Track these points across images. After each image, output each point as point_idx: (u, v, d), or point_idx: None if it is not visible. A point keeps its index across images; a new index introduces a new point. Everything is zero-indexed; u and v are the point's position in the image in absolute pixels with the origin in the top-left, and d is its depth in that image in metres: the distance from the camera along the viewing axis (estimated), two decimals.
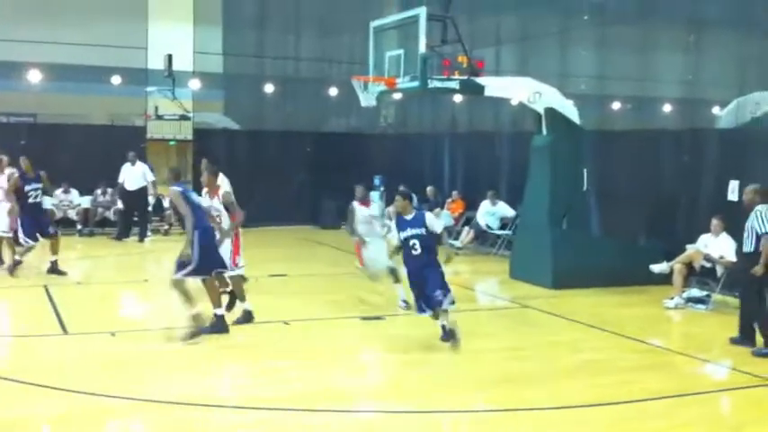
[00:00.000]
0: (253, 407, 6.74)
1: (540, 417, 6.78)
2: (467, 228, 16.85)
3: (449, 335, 8.49)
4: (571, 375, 7.98)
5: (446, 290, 8.55)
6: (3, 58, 19.14)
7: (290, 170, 20.93)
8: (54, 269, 12.69)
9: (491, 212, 16.44)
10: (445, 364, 8.33)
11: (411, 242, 8.69)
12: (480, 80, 13.09)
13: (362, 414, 6.78)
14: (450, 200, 18.33)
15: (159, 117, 20.37)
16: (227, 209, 9.86)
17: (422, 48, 12.41)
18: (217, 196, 9.85)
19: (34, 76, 19.68)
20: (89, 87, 21.08)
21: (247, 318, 9.78)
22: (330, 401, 6.89)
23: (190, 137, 21.13)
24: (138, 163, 17.67)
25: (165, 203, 17.80)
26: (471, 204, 17.47)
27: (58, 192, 17.57)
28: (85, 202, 18.28)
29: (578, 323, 10.30)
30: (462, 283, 14.12)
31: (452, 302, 8.57)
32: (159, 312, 10.20)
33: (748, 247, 8.97)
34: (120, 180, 17.58)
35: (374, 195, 20.39)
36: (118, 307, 11.54)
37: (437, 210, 18.35)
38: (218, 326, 9.13)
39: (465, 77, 12.97)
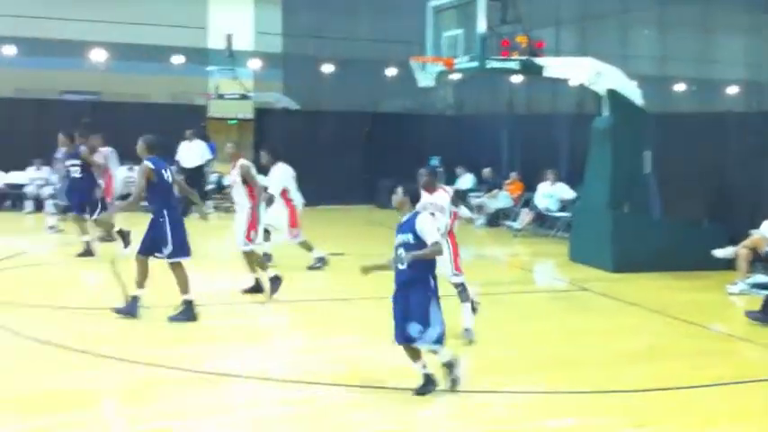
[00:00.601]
0: (308, 381, 6.84)
1: (597, 400, 6.75)
2: (525, 209, 16.77)
3: (425, 386, 6.57)
4: (630, 360, 7.91)
5: (426, 324, 6.45)
6: (67, 36, 19.54)
7: (348, 150, 21.04)
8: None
9: (549, 194, 16.32)
10: (502, 345, 8.34)
11: (399, 251, 6.63)
12: (539, 60, 12.98)
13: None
14: (507, 181, 18.24)
15: (220, 96, 20.60)
16: (245, 181, 9.99)
17: (481, 28, 12.37)
18: (234, 167, 10.04)
19: (98, 55, 20.06)
20: (151, 67, 21.41)
21: (256, 289, 9.93)
22: (389, 379, 6.95)
23: (250, 116, 21.35)
24: (196, 140, 17.81)
25: (225, 181, 18.03)
26: (530, 186, 17.37)
27: (123, 168, 17.91)
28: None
29: (638, 307, 10.21)
30: (520, 265, 14.14)
31: (435, 342, 6.48)
32: (218, 288, 10.33)
33: None
34: (177, 158, 17.78)
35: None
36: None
37: (495, 191, 18.31)
38: (187, 313, 8.80)
39: (524, 58, 12.87)
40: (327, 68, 21.63)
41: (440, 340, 6.50)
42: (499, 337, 8.58)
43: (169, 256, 8.78)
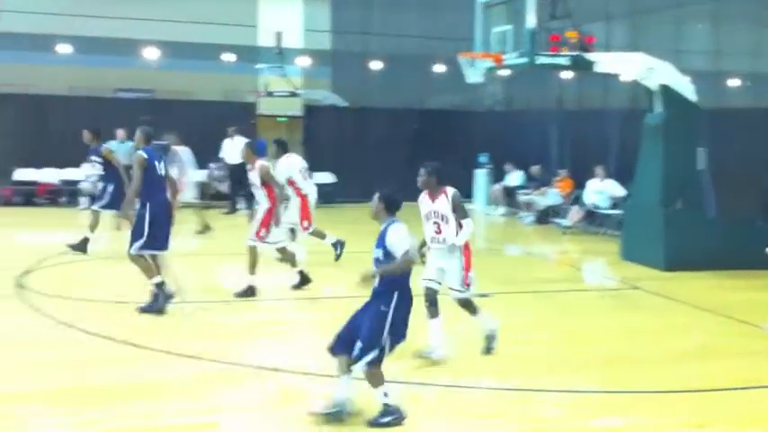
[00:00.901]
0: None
1: (648, 400, 6.67)
2: (575, 207, 16.61)
3: (335, 412, 5.85)
4: (681, 359, 7.80)
5: (370, 346, 5.78)
6: (121, 35, 19.87)
7: (396, 147, 21.03)
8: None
9: (599, 191, 16.13)
10: (549, 343, 8.28)
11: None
12: (590, 56, 12.84)
13: (463, 390, 6.78)
14: (557, 178, 18.08)
15: (269, 94, 20.75)
16: (263, 182, 10.12)
17: (530, 23, 12.28)
18: (253, 168, 10.17)
19: (151, 53, 20.35)
20: (202, 65, 21.64)
21: (248, 293, 9.88)
22: (431, 375, 6.95)
23: (299, 113, 21.49)
24: (237, 137, 17.95)
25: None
26: (580, 183, 17.19)
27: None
28: (200, 176, 18.82)
29: (690, 306, 10.05)
30: (570, 263, 14.01)
31: (369, 363, 5.79)
32: (263, 283, 10.36)
33: None
34: (221, 155, 17.94)
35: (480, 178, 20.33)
36: (223, 277, 11.88)
37: (543, 188, 18.16)
38: (159, 300, 8.91)
39: (574, 53, 12.74)
40: (375, 65, 21.67)
41: (374, 362, 5.79)
42: (548, 336, 8.53)
43: (140, 248, 8.89)
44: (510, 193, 19.47)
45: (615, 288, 11.59)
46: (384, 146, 20.76)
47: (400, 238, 5.91)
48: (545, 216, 17.73)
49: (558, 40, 12.88)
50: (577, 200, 16.88)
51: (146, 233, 8.87)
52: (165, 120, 18.57)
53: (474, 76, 13.72)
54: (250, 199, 18.19)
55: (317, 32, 21.31)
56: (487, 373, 7.16)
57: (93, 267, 11.66)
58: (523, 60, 12.74)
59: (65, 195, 18.98)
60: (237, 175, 18.11)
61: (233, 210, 18.09)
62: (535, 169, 18.90)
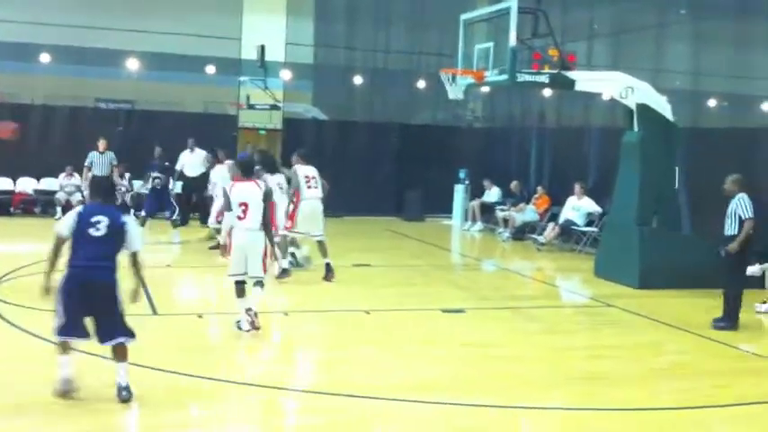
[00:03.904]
0: (329, 393, 6.82)
1: (621, 417, 6.68)
2: (551, 223, 16.67)
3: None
4: (654, 377, 7.83)
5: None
6: (103, 45, 19.80)
7: (377, 161, 21.08)
8: None
9: (576, 207, 16.20)
10: (525, 359, 8.29)
11: None
12: (571, 74, 12.93)
13: (441, 406, 6.76)
14: (536, 195, 18.15)
15: (251, 106, 20.73)
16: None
17: (512, 41, 12.34)
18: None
19: (132, 65, 20.29)
20: (184, 76, 21.58)
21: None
22: (408, 392, 6.91)
23: (279, 126, 21.48)
24: (197, 150, 17.86)
25: None
26: (557, 200, 17.27)
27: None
28: (178, 187, 18.68)
29: (664, 324, 10.07)
30: (545, 280, 14.04)
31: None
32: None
33: (731, 230, 9.85)
34: (178, 167, 17.59)
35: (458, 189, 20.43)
36: (205, 290, 11.85)
37: (521, 204, 18.22)
38: None
39: (555, 71, 12.83)
40: (358, 80, 21.70)
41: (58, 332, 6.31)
42: (522, 353, 8.53)
43: None
44: (488, 209, 19.52)
45: (589, 305, 11.62)
46: (365, 160, 20.79)
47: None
48: (522, 233, 17.78)
49: (539, 58, 12.97)
50: (554, 217, 16.95)
51: None
52: (145, 131, 18.57)
53: (455, 92, 13.78)
54: (202, 212, 18.05)
55: (300, 46, 21.32)
56: (461, 388, 7.14)
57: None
58: (504, 77, 12.80)
59: (39, 205, 18.80)
60: (194, 186, 18.02)
61: (182, 222, 17.72)
62: (513, 185, 18.97)
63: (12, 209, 18.37)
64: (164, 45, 20.15)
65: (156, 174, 15.55)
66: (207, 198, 18.17)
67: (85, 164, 17.56)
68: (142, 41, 19.93)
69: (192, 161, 17.91)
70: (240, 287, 8.62)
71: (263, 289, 8.67)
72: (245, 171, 8.66)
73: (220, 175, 15.03)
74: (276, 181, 11.79)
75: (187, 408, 6.46)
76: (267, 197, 8.56)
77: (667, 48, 16.49)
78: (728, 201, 10.04)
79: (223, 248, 9.46)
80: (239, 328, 8.54)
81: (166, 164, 16.06)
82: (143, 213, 15.34)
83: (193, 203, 18.45)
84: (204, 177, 18.17)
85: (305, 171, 11.99)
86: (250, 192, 8.45)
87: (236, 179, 8.94)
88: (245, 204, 8.40)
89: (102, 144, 17.35)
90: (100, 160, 17.44)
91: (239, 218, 8.42)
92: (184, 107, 20.89)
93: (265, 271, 8.69)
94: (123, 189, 18.31)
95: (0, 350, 7.84)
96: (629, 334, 9.69)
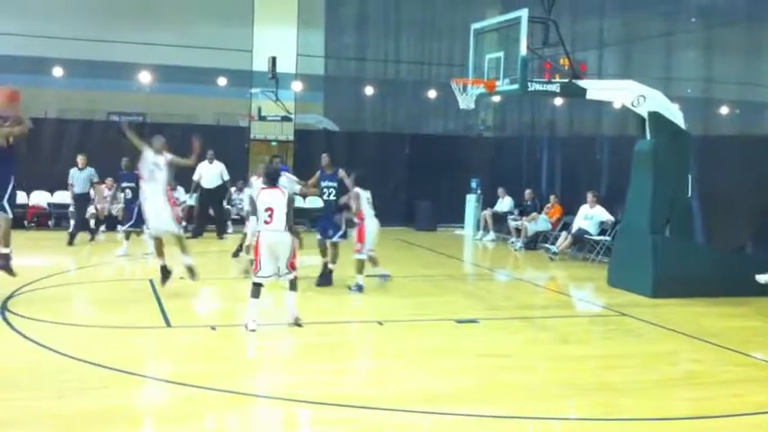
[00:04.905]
0: (342, 404, 6.81)
1: (636, 428, 6.64)
2: (564, 233, 16.64)
3: None
4: (669, 386, 7.77)
5: None
6: (114, 59, 19.94)
7: (388, 172, 21.09)
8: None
9: (589, 216, 16.16)
10: (539, 369, 8.26)
11: None
12: (582, 83, 12.92)
13: (454, 417, 6.74)
14: (548, 204, 18.13)
15: (262, 118, 20.83)
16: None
17: (523, 50, 12.33)
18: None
19: (144, 78, 20.42)
20: (196, 88, 21.70)
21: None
22: (420, 403, 6.90)
23: (291, 137, 21.54)
24: (216, 162, 18.06)
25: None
26: (569, 209, 17.23)
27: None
28: (192, 200, 18.77)
29: (678, 333, 10.02)
30: (558, 289, 14.00)
31: None
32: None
33: None
34: (196, 178, 17.83)
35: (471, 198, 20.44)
36: (218, 302, 11.87)
37: (534, 214, 18.19)
38: None
39: (566, 80, 12.82)
40: (368, 90, 21.77)
41: None
42: (535, 362, 8.50)
43: None
44: (500, 219, 19.50)
45: (602, 314, 11.57)
46: (376, 170, 20.78)
47: None
48: (534, 242, 17.75)
49: (550, 68, 12.97)
50: (566, 226, 16.91)
51: None
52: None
53: (466, 101, 13.76)
54: (221, 223, 18.30)
55: (311, 57, 21.42)
56: (474, 399, 7.12)
57: (81, 291, 11.60)
58: (515, 87, 12.79)
59: (53, 218, 18.90)
60: (213, 198, 18.19)
61: (198, 233, 17.93)
62: (526, 195, 18.96)
63: (26, 222, 18.45)
64: (175, 58, 20.29)
65: (126, 184, 15.14)
66: (225, 211, 18.43)
67: (69, 181, 17.03)
68: (154, 54, 20.08)
69: (209, 173, 18.04)
70: (257, 288, 9.23)
71: (296, 289, 9.49)
72: (270, 179, 9.66)
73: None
74: (366, 196, 12.77)
75: (201, 420, 6.46)
76: (290, 202, 9.46)
77: (678, 56, 16.49)
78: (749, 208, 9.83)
79: (248, 247, 10.56)
80: (246, 328, 9.07)
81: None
82: (127, 226, 14.88)
83: (209, 216, 18.52)
84: (221, 190, 18.33)
85: (366, 194, 12.71)
86: (275, 197, 9.36)
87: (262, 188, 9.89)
88: (271, 209, 9.26)
89: (81, 160, 16.96)
90: (79, 176, 17.07)
91: (266, 222, 9.27)
92: (196, 119, 20.97)
93: (294, 268, 9.40)
94: (109, 202, 18.10)
95: (13, 362, 7.86)
96: (642, 343, 9.64)
